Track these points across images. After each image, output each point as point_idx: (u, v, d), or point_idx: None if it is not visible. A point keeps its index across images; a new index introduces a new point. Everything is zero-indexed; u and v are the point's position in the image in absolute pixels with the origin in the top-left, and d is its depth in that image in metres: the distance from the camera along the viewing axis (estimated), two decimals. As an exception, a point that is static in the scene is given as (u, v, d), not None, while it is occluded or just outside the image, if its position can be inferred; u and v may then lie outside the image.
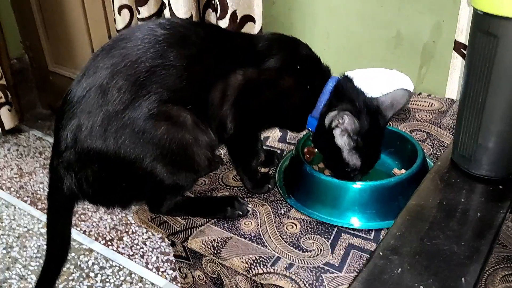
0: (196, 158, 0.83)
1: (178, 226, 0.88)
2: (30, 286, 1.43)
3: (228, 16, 1.33)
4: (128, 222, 1.65)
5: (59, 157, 0.82)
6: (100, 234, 1.61)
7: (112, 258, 1.52)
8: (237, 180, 0.98)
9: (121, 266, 1.49)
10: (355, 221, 0.86)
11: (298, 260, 0.78)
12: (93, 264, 1.50)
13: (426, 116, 1.16)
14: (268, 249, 0.81)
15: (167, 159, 0.81)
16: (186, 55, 0.81)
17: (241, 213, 0.88)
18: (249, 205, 0.90)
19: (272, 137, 1.13)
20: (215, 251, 0.82)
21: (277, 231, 0.85)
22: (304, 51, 0.90)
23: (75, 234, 1.60)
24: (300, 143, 0.97)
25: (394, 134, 0.99)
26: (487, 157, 0.76)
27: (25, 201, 1.78)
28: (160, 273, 1.45)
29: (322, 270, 0.77)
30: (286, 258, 0.79)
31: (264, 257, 0.79)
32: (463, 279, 0.60)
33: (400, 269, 0.61)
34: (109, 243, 1.57)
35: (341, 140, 0.86)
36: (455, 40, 1.17)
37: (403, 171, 0.94)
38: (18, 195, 1.81)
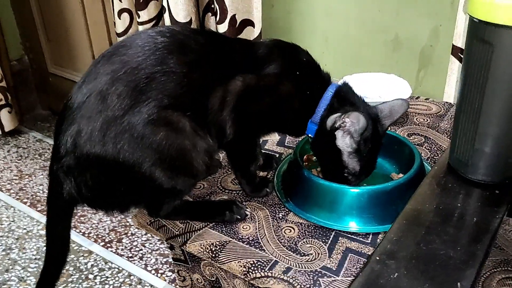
0: (194, 164, 0.84)
1: (176, 230, 0.89)
2: (29, 288, 1.44)
3: (227, 20, 1.34)
4: (128, 224, 1.66)
5: (59, 161, 0.83)
6: (100, 236, 1.61)
7: (111, 260, 1.52)
8: (236, 184, 0.99)
9: (120, 268, 1.49)
10: (353, 225, 0.86)
11: (295, 264, 0.79)
12: (92, 266, 1.50)
13: (424, 120, 1.17)
14: (266, 253, 0.82)
15: (166, 164, 0.82)
16: (186, 62, 0.82)
17: (239, 217, 0.88)
18: (247, 209, 0.91)
19: (271, 140, 1.13)
20: (213, 255, 0.82)
21: (275, 235, 0.85)
22: (304, 57, 0.91)
23: (74, 235, 1.60)
24: (298, 147, 0.98)
25: (392, 138, 1.00)
26: (484, 161, 0.76)
27: (25, 203, 1.78)
28: (159, 275, 1.46)
29: (320, 274, 0.77)
30: (283, 262, 0.80)
31: (262, 261, 0.80)
32: (459, 284, 0.61)
33: (396, 274, 0.62)
34: (108, 245, 1.58)
35: (343, 142, 0.87)
36: (452, 44, 1.18)
37: (401, 175, 0.95)
38: (17, 196, 1.82)
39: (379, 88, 1.21)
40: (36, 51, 2.25)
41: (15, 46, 2.26)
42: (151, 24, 1.49)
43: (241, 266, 0.79)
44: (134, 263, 1.50)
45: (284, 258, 0.80)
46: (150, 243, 1.57)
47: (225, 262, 0.81)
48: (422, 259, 0.64)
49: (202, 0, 1.42)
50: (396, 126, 1.14)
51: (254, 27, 1.39)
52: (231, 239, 0.85)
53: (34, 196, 1.81)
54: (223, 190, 0.98)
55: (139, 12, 1.47)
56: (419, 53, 1.32)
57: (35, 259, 1.54)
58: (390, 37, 1.35)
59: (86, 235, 1.62)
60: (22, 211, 1.75)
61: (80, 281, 1.45)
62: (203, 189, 0.99)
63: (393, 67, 1.35)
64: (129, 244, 1.57)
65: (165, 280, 1.44)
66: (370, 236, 0.85)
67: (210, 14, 1.43)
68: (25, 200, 1.80)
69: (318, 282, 0.76)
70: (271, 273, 0.78)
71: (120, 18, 1.54)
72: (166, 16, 1.42)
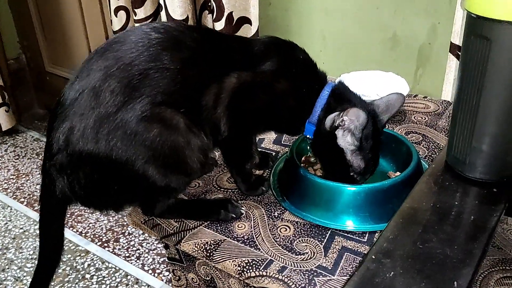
0: (188, 161, 0.83)
1: (171, 228, 0.88)
2: (25, 288, 1.43)
3: (224, 18, 1.33)
4: (125, 223, 1.65)
5: (51, 159, 0.82)
6: (97, 236, 1.61)
7: (108, 260, 1.51)
8: (231, 182, 0.98)
9: (117, 268, 1.48)
10: (349, 224, 0.85)
11: (291, 263, 0.78)
12: (89, 265, 1.50)
13: (421, 118, 1.16)
14: (261, 252, 0.81)
15: (159, 162, 0.81)
16: (180, 58, 0.81)
17: (234, 216, 0.87)
18: (242, 208, 0.90)
19: (267, 139, 1.12)
20: (208, 254, 0.82)
21: (271, 233, 0.85)
22: (300, 55, 0.90)
23: (71, 235, 1.60)
24: (294, 145, 0.97)
25: (389, 136, 0.99)
26: (481, 160, 0.75)
27: (22, 202, 1.78)
28: (156, 274, 1.45)
29: (315, 273, 0.76)
30: (278, 261, 0.79)
31: (257, 260, 0.79)
32: (455, 282, 0.60)
33: (392, 273, 0.61)
34: (105, 244, 1.57)
35: (344, 141, 0.86)
36: (450, 42, 1.17)
37: (398, 173, 0.94)
38: (14, 196, 1.81)
39: (377, 86, 1.20)
40: (33, 50, 2.25)
41: (12, 45, 2.25)
42: (148, 21, 1.48)
43: (235, 265, 0.79)
44: (131, 263, 1.50)
45: (280, 257, 0.80)
46: (147, 243, 1.57)
47: (220, 261, 0.80)
48: (418, 258, 0.63)
49: (199, -2, 1.41)
50: (393, 124, 1.13)
51: (251, 25, 1.38)
52: (226, 238, 0.84)
53: (31, 196, 1.81)
54: (218, 188, 0.97)
55: (135, 9, 1.46)
56: (417, 51, 1.31)
57: (32, 258, 1.53)
58: (388, 35, 1.34)
59: (83, 234, 1.61)
60: (19, 210, 1.74)
61: (77, 280, 1.44)
62: (198, 187, 0.98)
63: (391, 65, 1.34)
64: (126, 244, 1.57)
65: (162, 280, 1.43)
66: (367, 235, 0.84)
67: (207, 11, 1.42)
68: (22, 200, 1.79)
69: (313, 281, 0.75)
70: (266, 272, 0.77)
71: (116, 16, 1.53)
72: (163, 13, 1.41)
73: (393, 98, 0.92)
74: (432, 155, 1.03)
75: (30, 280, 1.43)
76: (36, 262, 1.48)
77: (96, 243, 1.58)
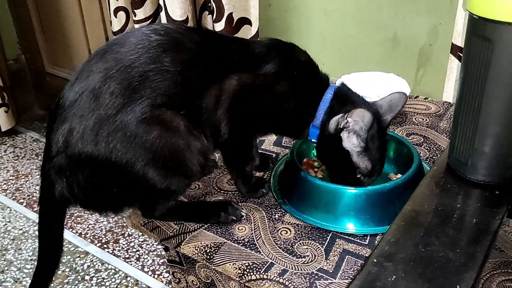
0: (188, 164, 0.83)
1: (171, 231, 0.87)
2: (24, 290, 1.43)
3: (224, 18, 1.33)
4: (124, 224, 1.64)
5: (51, 161, 0.81)
6: (96, 237, 1.60)
7: (107, 261, 1.51)
8: (231, 185, 0.98)
9: (116, 269, 1.48)
10: (350, 226, 0.85)
11: (291, 266, 0.78)
12: (88, 267, 1.49)
13: (423, 119, 1.15)
14: (262, 254, 0.80)
15: (159, 164, 0.80)
16: (180, 60, 0.81)
17: (234, 218, 0.87)
18: (243, 210, 0.89)
19: (267, 140, 1.12)
20: (208, 257, 0.81)
21: (271, 236, 0.84)
22: (302, 57, 0.89)
23: (70, 236, 1.59)
24: (295, 147, 0.96)
25: (390, 138, 0.98)
26: (483, 162, 0.75)
27: (21, 203, 1.77)
28: (156, 276, 1.44)
29: (316, 277, 0.76)
30: (279, 264, 0.78)
31: (257, 263, 0.79)
32: (458, 286, 0.60)
33: (394, 276, 0.61)
34: (105, 245, 1.56)
35: (349, 142, 0.85)
36: (452, 43, 1.17)
37: (399, 175, 0.93)
38: (14, 197, 1.80)
39: (378, 87, 1.19)
40: (33, 50, 2.24)
41: (12, 45, 2.25)
42: (148, 22, 1.48)
43: (236, 268, 0.78)
44: (131, 264, 1.49)
45: (280, 260, 0.79)
46: (147, 244, 1.56)
47: (220, 264, 0.80)
48: (420, 261, 0.63)
49: (199, -1, 1.41)
50: (394, 126, 1.13)
51: (251, 26, 1.38)
52: (226, 240, 0.84)
53: (30, 197, 1.80)
54: (218, 190, 0.97)
55: (135, 10, 1.46)
56: (418, 52, 1.31)
57: (31, 260, 1.52)
58: (388, 35, 1.33)
59: (83, 236, 1.60)
60: (18, 211, 1.73)
61: (76, 282, 1.43)
62: (198, 189, 0.97)
63: (391, 66, 1.34)
64: (126, 245, 1.56)
65: (162, 282, 1.42)
66: (368, 237, 0.83)
67: (207, 12, 1.42)
68: (22, 201, 1.78)
69: (314, 284, 0.75)
70: (267, 275, 0.76)
71: (116, 17, 1.53)
72: (162, 14, 1.40)
73: (396, 98, 0.91)
74: (433, 157, 1.02)
75: (30, 281, 1.43)
76: (36, 263, 1.49)
77: (95, 244, 1.57)
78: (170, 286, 1.40)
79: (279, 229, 0.86)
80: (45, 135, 2.12)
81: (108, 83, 0.77)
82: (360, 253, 0.80)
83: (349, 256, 0.80)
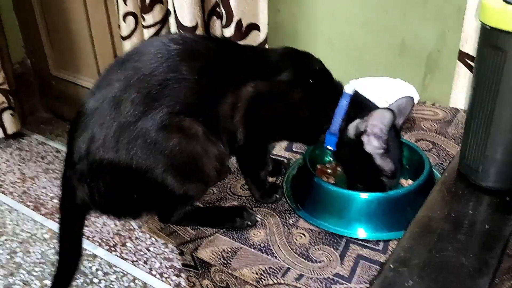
0: (206, 169, 0.84)
1: (187, 236, 0.89)
2: (34, 292, 1.44)
3: (233, 24, 1.34)
4: (132, 227, 1.65)
5: (72, 168, 0.83)
6: (104, 240, 1.61)
7: (115, 264, 1.52)
8: (245, 190, 0.99)
9: (125, 272, 1.49)
10: (363, 232, 0.86)
11: (308, 271, 0.79)
12: (97, 270, 1.50)
13: (431, 125, 1.17)
14: (278, 259, 0.82)
15: (178, 170, 0.82)
16: (198, 69, 0.82)
17: (250, 223, 0.88)
18: (258, 215, 0.91)
19: (279, 146, 1.13)
20: (225, 262, 0.83)
21: (286, 241, 0.85)
22: (316, 65, 0.91)
23: (78, 239, 1.60)
24: (307, 153, 0.98)
25: (400, 144, 0.99)
26: (495, 168, 0.76)
27: (28, 206, 1.78)
28: (164, 279, 1.46)
29: (332, 281, 0.77)
30: (296, 269, 0.80)
31: (274, 268, 0.80)
32: (472, 292, 0.61)
33: (410, 281, 0.62)
34: (113, 248, 1.58)
35: (371, 146, 0.86)
36: (459, 50, 1.18)
37: (409, 181, 0.95)
38: (21, 200, 1.81)
39: (386, 93, 1.21)
40: (38, 54, 2.25)
41: (18, 48, 2.26)
42: (157, 27, 1.49)
43: (253, 273, 0.80)
44: (139, 267, 1.50)
45: (296, 265, 0.80)
46: (155, 247, 1.57)
47: (237, 268, 0.81)
48: (434, 267, 0.64)
49: (207, 4, 1.42)
50: (403, 132, 1.14)
51: (260, 31, 1.39)
52: (242, 245, 0.85)
53: (37, 199, 1.81)
54: (232, 196, 0.98)
55: (144, 15, 1.47)
56: (425, 57, 1.32)
57: (40, 263, 1.54)
58: (396, 41, 1.35)
59: (91, 239, 1.62)
60: (25, 214, 1.74)
61: (85, 285, 1.45)
62: (212, 195, 0.99)
63: (398, 72, 1.35)
64: (134, 248, 1.57)
65: (170, 285, 1.44)
66: (381, 243, 0.85)
67: (215, 18, 1.43)
68: (28, 203, 1.79)
69: (330, 289, 0.76)
70: (284, 280, 0.78)
71: (125, 22, 1.54)
72: (171, 19, 1.42)
73: (404, 102, 0.93)
74: (443, 163, 1.04)
75: (39, 284, 1.45)
76: (45, 266, 1.50)
77: (103, 247, 1.58)
78: (179, 289, 1.41)
79: (294, 234, 0.87)
80: (51, 138, 2.16)
81: (128, 91, 0.79)
82: (374, 258, 0.82)
83: (364, 261, 0.81)
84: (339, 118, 0.88)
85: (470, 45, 1.16)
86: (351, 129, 0.87)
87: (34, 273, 1.50)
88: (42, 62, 2.26)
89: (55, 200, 1.80)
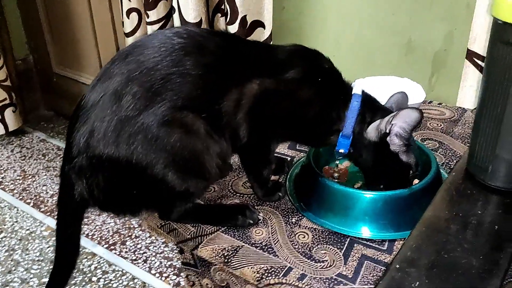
0: (207, 166, 0.83)
1: (188, 233, 0.87)
2: (32, 290, 1.42)
3: (238, 21, 1.32)
4: (131, 226, 1.64)
5: (71, 162, 0.81)
6: (103, 238, 1.59)
7: (115, 263, 1.50)
8: (247, 187, 0.97)
9: (124, 271, 1.47)
10: (368, 232, 0.84)
11: (310, 271, 0.77)
12: (96, 268, 1.49)
13: (437, 125, 1.15)
14: (280, 258, 0.80)
15: (179, 166, 0.80)
16: (202, 64, 0.80)
17: (252, 222, 0.86)
18: (260, 214, 0.89)
19: (282, 143, 1.11)
20: (226, 260, 0.81)
21: (289, 240, 0.84)
22: (326, 64, 0.89)
23: (78, 237, 1.59)
24: (311, 151, 0.96)
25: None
26: (504, 168, 0.75)
27: (28, 203, 1.76)
28: (163, 278, 1.44)
29: (335, 282, 0.75)
30: (298, 268, 0.78)
31: (276, 267, 0.78)
32: (483, 293, 0.59)
33: (418, 282, 0.60)
34: (112, 247, 1.56)
35: (395, 144, 0.86)
36: (467, 48, 1.17)
37: (416, 181, 0.93)
38: (21, 197, 1.80)
39: (393, 92, 1.19)
40: (41, 50, 2.24)
41: (20, 45, 2.25)
42: (160, 24, 1.48)
43: (254, 272, 0.78)
44: (138, 266, 1.48)
45: (299, 264, 0.79)
46: (154, 246, 1.55)
47: (238, 267, 0.79)
48: (443, 268, 0.62)
49: (212, 1, 1.40)
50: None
51: (264, 29, 1.38)
52: (243, 244, 0.83)
53: (37, 197, 1.80)
54: (234, 193, 0.96)
55: (148, 12, 1.45)
56: (432, 57, 1.31)
57: (38, 260, 1.52)
58: (403, 40, 1.33)
59: (90, 237, 1.60)
60: (25, 211, 1.73)
61: (84, 283, 1.43)
62: (213, 192, 0.97)
63: (405, 71, 1.34)
64: (133, 247, 1.56)
65: (169, 284, 1.42)
66: (386, 243, 0.83)
67: (219, 14, 1.41)
68: (29, 201, 1.78)
69: (334, 289, 0.74)
70: (286, 279, 0.76)
71: (128, 18, 1.53)
72: (175, 16, 1.40)
73: (399, 97, 0.93)
74: (450, 162, 1.02)
75: (37, 282, 1.43)
76: (43, 264, 1.48)
77: (102, 246, 1.57)
78: (179, 288, 1.39)
79: (297, 233, 0.85)
80: (52, 136, 2.14)
81: (130, 85, 0.77)
82: (379, 259, 0.80)
83: (368, 261, 0.79)
84: (352, 120, 0.86)
85: (479, 44, 1.14)
86: (372, 131, 0.86)
87: (33, 271, 1.48)
88: (44, 59, 2.25)
89: (55, 198, 1.79)
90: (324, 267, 0.78)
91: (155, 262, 1.49)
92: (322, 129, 0.89)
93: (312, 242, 0.83)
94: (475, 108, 1.00)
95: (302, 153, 1.07)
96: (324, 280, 0.75)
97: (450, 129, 1.13)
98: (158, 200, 0.87)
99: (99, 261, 1.51)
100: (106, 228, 1.63)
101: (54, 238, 1.56)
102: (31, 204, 1.76)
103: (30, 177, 1.90)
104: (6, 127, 2.07)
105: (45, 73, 2.28)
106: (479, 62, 1.15)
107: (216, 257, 0.82)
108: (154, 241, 1.57)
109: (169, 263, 1.49)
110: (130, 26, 1.54)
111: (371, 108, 0.88)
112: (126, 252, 1.54)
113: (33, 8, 2.13)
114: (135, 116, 0.77)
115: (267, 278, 0.77)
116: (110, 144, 0.77)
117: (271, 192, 0.93)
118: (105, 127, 0.77)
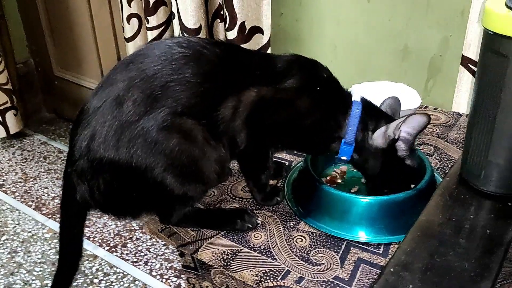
0: (205, 171, 0.84)
1: (188, 237, 0.89)
2: (34, 292, 1.44)
3: (236, 27, 1.34)
4: (132, 228, 1.66)
5: (73, 165, 0.83)
6: (104, 240, 1.61)
7: (116, 265, 1.52)
8: (246, 192, 0.99)
9: (125, 273, 1.49)
10: (364, 235, 0.86)
11: (308, 274, 0.79)
12: (97, 270, 1.50)
13: (433, 129, 1.17)
14: (278, 262, 0.82)
15: (177, 170, 0.82)
16: (201, 72, 0.83)
17: (250, 226, 0.88)
18: (258, 218, 0.91)
19: (280, 148, 1.13)
20: (225, 263, 0.83)
21: (287, 244, 0.85)
22: (324, 73, 0.90)
23: (79, 240, 1.60)
24: (308, 155, 0.98)
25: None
26: (497, 173, 0.76)
27: (30, 206, 1.78)
28: (164, 280, 1.46)
29: (332, 285, 0.77)
30: (296, 271, 0.80)
31: (274, 270, 0.80)
32: (474, 296, 0.61)
33: (411, 286, 0.62)
34: (113, 249, 1.58)
35: (402, 150, 0.88)
36: (462, 55, 1.18)
37: (411, 185, 0.95)
38: (22, 199, 1.82)
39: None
40: (42, 54, 2.26)
41: (21, 48, 2.26)
42: (160, 29, 1.49)
43: (253, 275, 0.80)
44: (139, 268, 1.50)
45: (296, 267, 0.80)
46: (155, 248, 1.57)
47: (237, 270, 0.81)
48: (436, 271, 0.64)
49: (211, 7, 1.42)
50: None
51: (263, 34, 1.39)
52: (242, 247, 0.85)
53: (39, 199, 1.81)
54: (233, 197, 0.98)
55: (148, 17, 1.47)
56: (428, 62, 1.32)
57: (40, 262, 1.54)
58: (399, 46, 1.35)
59: (91, 239, 1.62)
60: (27, 214, 1.75)
61: (85, 285, 1.45)
62: (213, 196, 0.99)
63: (401, 76, 1.35)
64: (134, 249, 1.57)
65: (170, 286, 1.44)
66: (382, 246, 0.85)
67: (218, 20, 1.43)
68: (30, 203, 1.80)
69: (330, 292, 0.76)
70: (284, 282, 0.78)
71: (129, 23, 1.55)
72: (175, 22, 1.42)
73: (392, 102, 0.96)
74: (444, 167, 1.04)
75: (39, 284, 1.45)
76: (45, 266, 1.50)
77: (104, 248, 1.58)
78: (179, 290, 1.41)
79: (295, 237, 0.87)
80: (53, 138, 2.16)
81: (132, 92, 0.80)
82: (374, 262, 0.82)
83: (364, 265, 0.81)
84: (354, 127, 0.88)
85: (473, 50, 1.16)
86: (379, 137, 0.88)
87: (35, 273, 1.50)
88: (45, 62, 2.26)
89: (56, 200, 1.81)
90: (321, 270, 0.80)
91: (156, 264, 1.51)
92: (321, 137, 0.91)
93: (309, 246, 0.85)
94: (469, 113, 1.01)
95: (300, 158, 1.08)
96: (321, 283, 0.77)
97: (445, 133, 1.15)
98: (158, 204, 0.89)
99: (101, 263, 1.53)
100: (107, 230, 1.65)
101: (55, 240, 1.59)
102: (33, 206, 1.78)
103: (31, 179, 1.92)
104: (7, 130, 2.08)
105: (46, 76, 2.30)
106: (474, 68, 1.17)
107: (216, 260, 0.84)
108: (155, 243, 1.59)
109: (169, 265, 1.51)
110: (130, 31, 1.56)
111: (373, 115, 0.90)
112: (127, 254, 1.56)
113: (34, 11, 2.15)
114: (135, 121, 0.79)
115: (265, 281, 0.78)
116: (111, 147, 0.79)
117: (269, 196, 0.95)
118: (106, 131, 0.79)
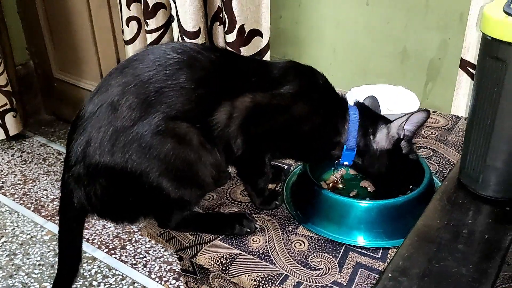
0: (200, 175, 0.85)
1: (186, 241, 0.89)
2: (33, 295, 1.44)
3: (236, 30, 1.34)
4: (131, 230, 1.65)
5: (69, 170, 0.84)
6: (103, 242, 1.61)
7: (115, 267, 1.52)
8: (245, 196, 0.99)
9: (124, 275, 1.49)
10: (363, 240, 0.86)
11: (306, 279, 0.79)
12: (96, 272, 1.50)
13: (431, 132, 1.17)
14: (276, 266, 0.82)
15: (172, 175, 0.82)
16: (196, 78, 0.83)
17: (249, 230, 0.88)
18: (257, 222, 0.91)
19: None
20: (224, 268, 0.82)
21: (285, 248, 0.85)
22: (320, 80, 0.91)
23: (78, 242, 1.60)
24: (307, 159, 0.98)
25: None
26: (495, 178, 0.76)
27: (29, 208, 1.78)
28: (163, 282, 1.46)
29: (330, 289, 0.77)
30: (294, 276, 0.80)
31: (273, 275, 0.80)
32: (472, 302, 0.61)
33: (408, 291, 0.62)
34: (112, 251, 1.58)
35: (405, 147, 0.90)
36: (461, 58, 1.18)
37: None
38: (21, 201, 1.82)
39: (387, 100, 1.21)
40: (41, 56, 2.26)
41: (21, 50, 2.26)
42: (159, 32, 1.50)
43: (251, 280, 0.79)
44: (138, 270, 1.50)
45: (295, 272, 0.80)
46: (154, 250, 1.57)
47: (236, 275, 0.81)
48: (434, 277, 0.64)
49: (210, 10, 1.42)
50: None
51: (262, 37, 1.39)
52: (241, 252, 0.85)
53: (38, 201, 1.81)
54: (232, 201, 0.98)
55: (147, 20, 1.47)
56: (427, 65, 1.33)
57: (39, 265, 1.54)
58: (398, 49, 1.35)
59: (90, 241, 1.62)
60: (26, 216, 1.75)
61: (84, 287, 1.45)
62: (212, 200, 0.99)
63: (400, 79, 1.36)
64: (133, 251, 1.57)
65: (169, 288, 1.44)
66: (380, 251, 0.85)
67: (218, 23, 1.43)
68: (29, 205, 1.79)
69: (328, 297, 0.76)
70: (282, 287, 0.78)
71: (128, 26, 1.55)
72: (174, 25, 1.42)
73: (371, 102, 0.98)
74: (443, 171, 1.03)
75: (38, 286, 1.45)
76: (44, 268, 1.50)
77: (103, 250, 1.58)
78: (178, 293, 1.41)
79: (293, 241, 0.87)
80: (52, 140, 2.16)
81: (126, 97, 0.80)
82: (373, 266, 0.82)
83: (362, 269, 0.81)
84: (355, 132, 0.88)
85: (472, 53, 1.16)
86: (382, 139, 0.89)
87: (33, 275, 1.50)
88: (45, 64, 2.26)
89: (55, 202, 1.80)
90: (319, 275, 0.80)
91: (155, 267, 1.51)
92: (320, 143, 0.91)
93: (308, 250, 0.85)
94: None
95: (298, 162, 1.08)
96: (319, 288, 0.77)
97: (444, 137, 1.15)
98: (155, 208, 0.89)
99: (100, 266, 1.53)
100: (106, 233, 1.65)
101: (54, 242, 1.59)
102: (32, 208, 1.78)
103: (30, 181, 1.92)
104: (6, 131, 2.08)
105: (46, 78, 2.30)
106: (472, 71, 1.17)
107: (214, 264, 0.83)
108: (154, 245, 1.59)
109: (168, 267, 1.51)
110: (129, 34, 1.56)
111: (370, 118, 0.90)
112: (126, 256, 1.56)
113: (33, 14, 2.15)
114: (130, 126, 0.79)
115: (264, 286, 0.78)
116: (106, 153, 0.79)
117: (268, 200, 0.95)
118: (101, 136, 0.79)
